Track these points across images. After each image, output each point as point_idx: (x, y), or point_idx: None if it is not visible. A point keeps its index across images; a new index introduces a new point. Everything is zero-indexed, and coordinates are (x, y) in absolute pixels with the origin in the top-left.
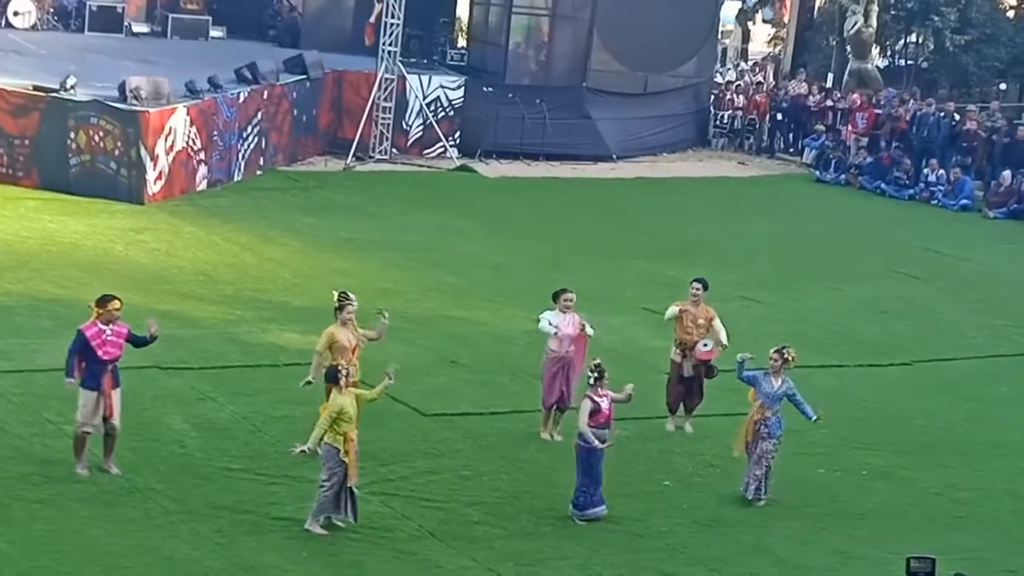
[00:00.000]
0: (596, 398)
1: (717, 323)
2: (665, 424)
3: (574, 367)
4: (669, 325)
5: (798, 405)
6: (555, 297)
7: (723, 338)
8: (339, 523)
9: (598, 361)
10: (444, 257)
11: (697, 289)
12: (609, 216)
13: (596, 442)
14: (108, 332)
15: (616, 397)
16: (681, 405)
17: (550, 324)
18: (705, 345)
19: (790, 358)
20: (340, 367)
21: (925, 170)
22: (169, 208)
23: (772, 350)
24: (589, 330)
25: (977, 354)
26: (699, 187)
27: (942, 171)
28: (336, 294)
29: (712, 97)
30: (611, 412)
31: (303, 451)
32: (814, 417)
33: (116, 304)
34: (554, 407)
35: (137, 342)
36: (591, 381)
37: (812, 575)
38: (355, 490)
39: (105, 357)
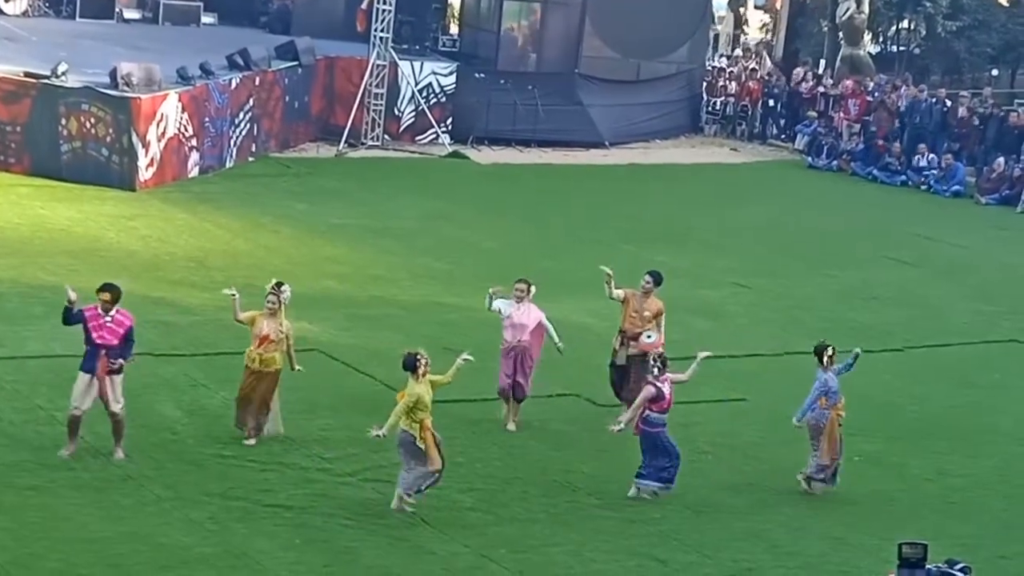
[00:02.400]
0: (659, 384)
1: (662, 320)
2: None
3: (529, 357)
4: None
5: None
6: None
7: (660, 335)
8: (409, 507)
9: (661, 351)
10: (436, 243)
11: (648, 282)
12: (601, 202)
13: (619, 425)
14: (108, 318)
15: (677, 378)
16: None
17: (499, 309)
18: (649, 336)
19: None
20: (419, 356)
21: (916, 156)
22: (161, 195)
23: (827, 349)
24: (551, 329)
25: (969, 340)
26: (691, 173)
27: (932, 156)
28: (271, 282)
29: (704, 84)
30: (672, 396)
31: (378, 435)
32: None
33: (105, 296)
34: (510, 397)
35: (130, 341)
36: (654, 370)
37: (805, 561)
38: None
39: (98, 341)
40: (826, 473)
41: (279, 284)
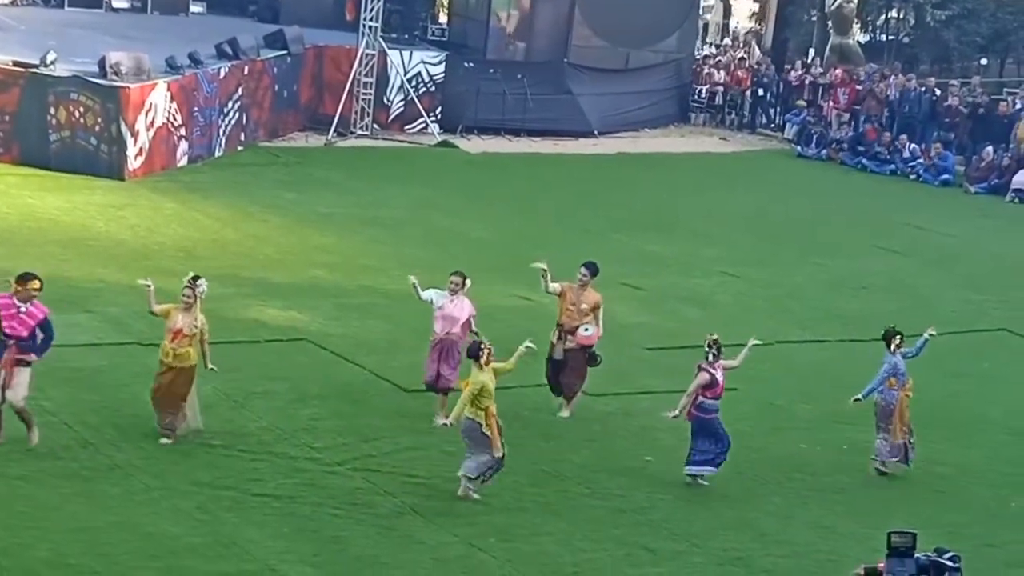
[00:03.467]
0: (712, 371)
1: (600, 313)
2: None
3: (456, 350)
4: (644, 300)
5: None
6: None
7: (600, 328)
8: (475, 493)
9: (715, 336)
10: (425, 233)
11: (584, 274)
12: (590, 191)
13: (674, 412)
14: (22, 309)
15: (729, 365)
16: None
17: (431, 300)
18: (586, 330)
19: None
20: (482, 344)
21: (898, 145)
22: (150, 184)
23: (895, 336)
24: (474, 326)
25: (958, 329)
26: (680, 162)
27: (914, 146)
28: (188, 275)
29: (692, 72)
30: (724, 383)
31: (445, 424)
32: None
33: (36, 284)
34: (435, 390)
35: (47, 334)
36: (708, 356)
37: (793, 550)
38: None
39: (8, 332)
40: (900, 453)
41: (195, 278)
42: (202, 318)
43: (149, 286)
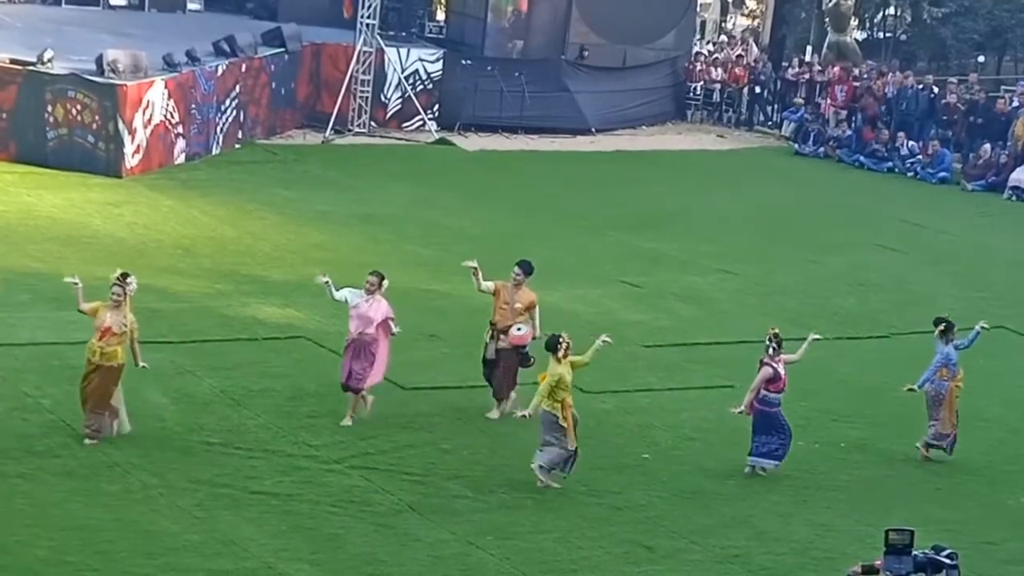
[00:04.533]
0: (774, 365)
1: (536, 312)
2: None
3: (370, 351)
4: (641, 297)
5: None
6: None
7: (537, 329)
8: (555, 483)
9: (776, 331)
10: (423, 230)
11: (517, 273)
12: (588, 189)
13: (740, 407)
14: None
15: (790, 359)
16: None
17: (345, 298)
18: (519, 329)
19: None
20: (561, 338)
21: (897, 143)
22: (147, 181)
23: (950, 329)
24: (395, 328)
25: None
26: (678, 160)
27: (912, 143)
28: (116, 273)
29: (687, 70)
30: (786, 377)
31: (523, 416)
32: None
33: None
34: (347, 389)
35: None
36: (770, 350)
37: (791, 547)
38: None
39: None
40: (945, 442)
41: (124, 275)
42: (131, 316)
43: (77, 284)
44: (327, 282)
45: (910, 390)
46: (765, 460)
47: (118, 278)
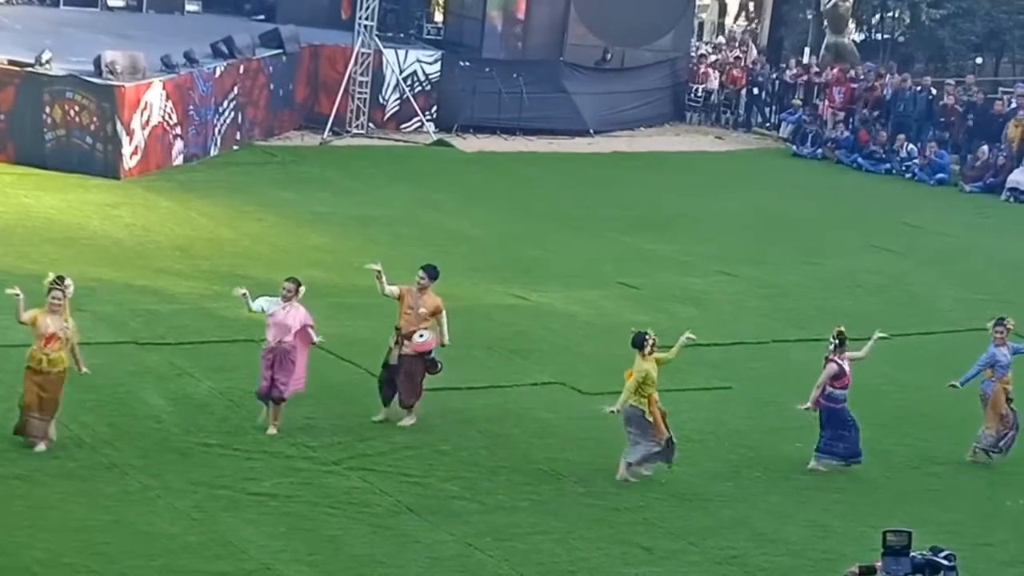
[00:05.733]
0: (839, 361)
1: (444, 317)
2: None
3: (290, 360)
4: (639, 299)
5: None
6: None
7: (445, 336)
8: (633, 478)
9: (841, 328)
10: (421, 232)
11: (422, 277)
12: (586, 190)
13: (807, 404)
14: None
15: (855, 356)
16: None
17: (262, 308)
18: (421, 336)
19: (1011, 327)
20: (647, 335)
21: (896, 145)
22: (145, 183)
23: (993, 324)
24: (315, 337)
25: (953, 328)
26: (676, 161)
27: (911, 146)
28: (49, 277)
29: (688, 71)
30: (851, 373)
31: (611, 411)
32: None
33: None
34: (268, 400)
35: None
36: (832, 348)
37: (789, 548)
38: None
39: None
40: (992, 442)
41: (60, 278)
42: (72, 321)
43: (18, 295)
44: (244, 294)
45: (952, 387)
46: (828, 457)
47: (54, 282)
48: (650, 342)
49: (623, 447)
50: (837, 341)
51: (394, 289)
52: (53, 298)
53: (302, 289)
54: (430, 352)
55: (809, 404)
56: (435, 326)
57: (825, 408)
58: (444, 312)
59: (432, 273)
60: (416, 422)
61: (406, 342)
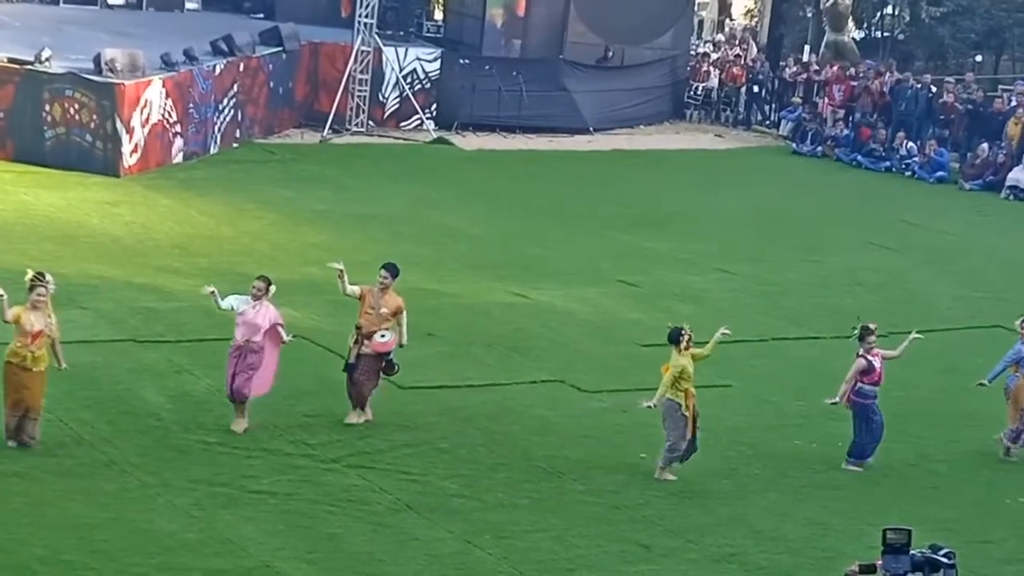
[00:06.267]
0: (868, 357)
1: (404, 318)
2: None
3: (257, 359)
4: (639, 297)
5: None
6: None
7: (404, 336)
8: (672, 476)
9: (870, 325)
10: (420, 230)
11: (384, 277)
12: (585, 188)
13: (834, 399)
14: None
15: (889, 355)
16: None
17: (232, 306)
18: (383, 336)
19: None
20: (683, 330)
21: (896, 143)
22: (145, 181)
23: (1020, 322)
24: (285, 336)
25: (952, 326)
26: (676, 159)
27: (911, 144)
28: (29, 274)
29: (688, 69)
30: (883, 370)
31: (648, 406)
32: None
33: None
34: (235, 400)
35: None
36: (864, 344)
37: (788, 546)
38: (696, 441)
39: None
40: (1015, 437)
41: (41, 274)
42: (55, 317)
43: (2, 295)
44: (212, 292)
45: (981, 385)
46: (862, 460)
47: (36, 278)
48: (686, 337)
49: (623, 446)
50: (858, 335)
51: (355, 289)
52: (38, 295)
53: (272, 288)
54: (389, 353)
55: (838, 398)
56: (395, 326)
57: (854, 403)
58: (404, 312)
59: (394, 271)
60: (372, 418)
61: (366, 342)
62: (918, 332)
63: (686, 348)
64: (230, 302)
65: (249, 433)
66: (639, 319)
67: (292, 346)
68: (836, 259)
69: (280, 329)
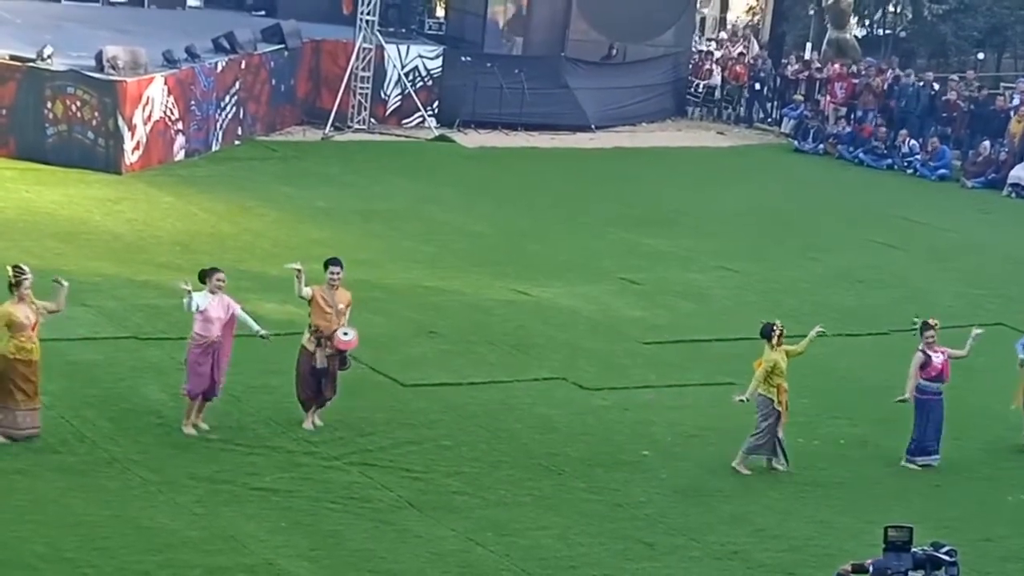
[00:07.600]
0: (928, 352)
1: (349, 310)
2: (303, 423)
3: (224, 353)
4: (640, 294)
5: None
6: (204, 277)
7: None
8: (778, 467)
9: (928, 320)
10: (422, 227)
11: (335, 273)
12: (587, 186)
13: (904, 396)
14: None
15: (955, 354)
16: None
17: (197, 306)
18: (346, 334)
19: None
20: (774, 325)
21: (898, 141)
22: (146, 178)
23: None
24: (261, 331)
25: (954, 323)
26: (678, 157)
27: (913, 142)
28: (10, 268)
29: (690, 67)
30: (945, 367)
31: (741, 400)
32: None
33: None
34: (207, 398)
35: None
36: (923, 339)
37: (790, 544)
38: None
39: None
40: None
41: (19, 268)
42: (38, 302)
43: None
44: (188, 290)
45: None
46: (930, 458)
47: (17, 271)
48: (777, 332)
49: (624, 444)
50: (918, 329)
51: (308, 291)
52: (25, 288)
53: (224, 277)
54: (348, 350)
55: (907, 395)
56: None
57: (916, 399)
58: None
59: (342, 265)
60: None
61: (328, 342)
62: (979, 329)
63: (778, 343)
64: (197, 302)
65: (251, 430)
66: (641, 316)
67: (293, 344)
68: (838, 256)
69: (239, 314)
